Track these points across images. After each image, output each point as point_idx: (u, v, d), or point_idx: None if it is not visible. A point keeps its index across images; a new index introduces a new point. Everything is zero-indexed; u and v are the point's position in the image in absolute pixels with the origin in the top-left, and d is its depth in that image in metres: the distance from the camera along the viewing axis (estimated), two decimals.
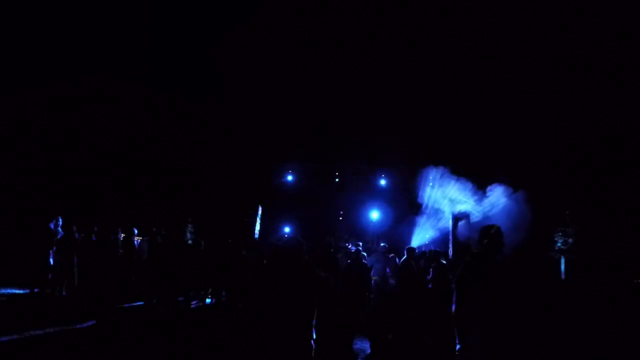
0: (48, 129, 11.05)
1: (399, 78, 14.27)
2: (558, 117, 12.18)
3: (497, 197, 11.93)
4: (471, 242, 12.13)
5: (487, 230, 3.36)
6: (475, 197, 12.72)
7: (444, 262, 9.37)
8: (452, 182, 13.13)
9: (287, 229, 14.99)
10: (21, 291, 8.19)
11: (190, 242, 11.97)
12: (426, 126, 14.07)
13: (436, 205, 13.80)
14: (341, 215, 18.83)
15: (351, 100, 14.73)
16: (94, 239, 8.40)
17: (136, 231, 9.27)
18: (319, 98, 14.51)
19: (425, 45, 13.53)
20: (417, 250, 9.56)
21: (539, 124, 12.49)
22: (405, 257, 8.22)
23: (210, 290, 8.95)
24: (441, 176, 13.38)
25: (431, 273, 8.79)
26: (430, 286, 8.70)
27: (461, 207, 13.17)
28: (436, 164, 13.39)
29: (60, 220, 8.30)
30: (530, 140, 12.60)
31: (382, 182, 14.57)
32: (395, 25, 13.44)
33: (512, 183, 11.55)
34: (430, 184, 13.78)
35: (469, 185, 12.95)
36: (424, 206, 13.94)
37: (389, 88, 14.45)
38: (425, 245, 13.72)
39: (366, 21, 13.58)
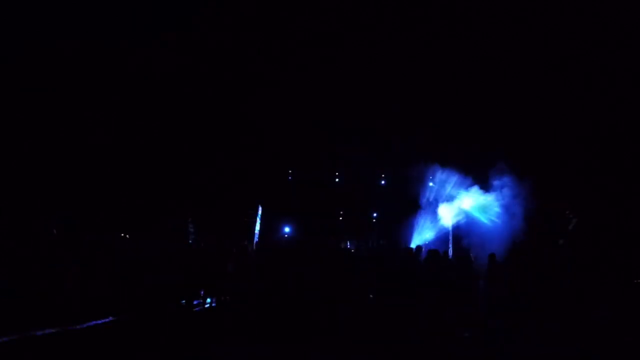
0: (44, 128, 11.02)
1: (399, 77, 14.26)
2: (558, 116, 12.20)
3: (497, 194, 11.95)
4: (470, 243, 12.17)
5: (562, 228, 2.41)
6: (475, 195, 12.74)
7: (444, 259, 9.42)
8: (453, 180, 13.16)
9: (287, 229, 15.00)
10: None
11: (190, 242, 11.95)
12: (427, 124, 14.07)
13: (436, 204, 13.82)
14: (341, 215, 18.85)
15: (351, 99, 14.72)
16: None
17: None
18: (320, 97, 14.50)
19: (424, 42, 13.53)
20: (414, 249, 9.61)
21: (538, 122, 12.51)
22: (403, 256, 8.28)
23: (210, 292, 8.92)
24: (441, 174, 13.41)
25: (430, 272, 8.82)
26: (428, 285, 8.73)
27: (461, 205, 13.20)
28: (438, 162, 13.41)
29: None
30: (531, 139, 12.61)
31: (382, 181, 14.60)
32: (394, 24, 13.44)
33: (512, 181, 11.57)
34: (431, 183, 13.80)
35: (469, 182, 12.99)
36: (424, 205, 13.96)
37: (389, 87, 14.45)
38: (425, 244, 13.74)
39: (366, 19, 13.57)
